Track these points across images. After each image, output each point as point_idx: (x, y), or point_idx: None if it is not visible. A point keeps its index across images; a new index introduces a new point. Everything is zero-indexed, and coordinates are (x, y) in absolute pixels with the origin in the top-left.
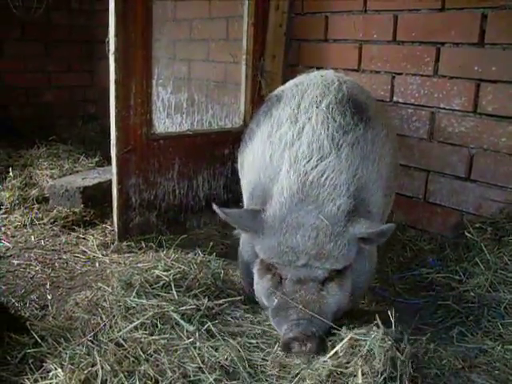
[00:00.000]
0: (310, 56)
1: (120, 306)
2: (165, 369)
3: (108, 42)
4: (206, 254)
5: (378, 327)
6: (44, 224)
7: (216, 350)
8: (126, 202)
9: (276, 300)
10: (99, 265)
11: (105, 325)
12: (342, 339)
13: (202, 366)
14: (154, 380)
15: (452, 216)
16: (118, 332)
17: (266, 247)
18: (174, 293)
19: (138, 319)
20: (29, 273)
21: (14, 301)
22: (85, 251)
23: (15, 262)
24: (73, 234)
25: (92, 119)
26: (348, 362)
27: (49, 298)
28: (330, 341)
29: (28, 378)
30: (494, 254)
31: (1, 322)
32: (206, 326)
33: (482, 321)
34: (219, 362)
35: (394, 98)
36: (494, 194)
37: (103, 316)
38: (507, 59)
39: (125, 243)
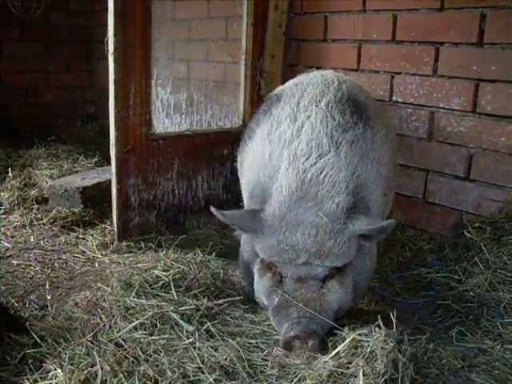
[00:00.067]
0: (310, 56)
1: (119, 306)
2: (164, 369)
3: (107, 42)
4: (206, 254)
5: (380, 328)
6: (43, 224)
7: (215, 350)
8: (125, 202)
9: (276, 299)
10: (99, 265)
11: (104, 325)
12: (344, 339)
13: (201, 366)
14: (153, 380)
15: (451, 216)
16: (117, 332)
17: (265, 246)
18: (174, 293)
19: (137, 319)
20: (28, 273)
21: (13, 301)
22: (84, 251)
23: (15, 262)
24: (72, 234)
25: (91, 119)
26: (349, 363)
27: (48, 298)
28: (332, 341)
29: (28, 379)
30: (494, 254)
31: (0, 322)
32: (205, 326)
33: (481, 320)
34: (219, 362)
35: (394, 98)
36: (493, 194)
37: (103, 316)
38: (506, 59)
39: (124, 243)
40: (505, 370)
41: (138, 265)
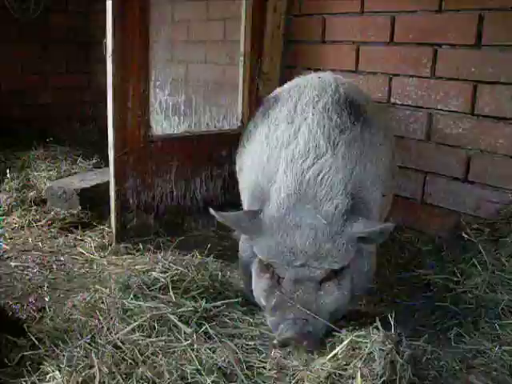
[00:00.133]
0: (308, 57)
1: (117, 308)
2: (162, 371)
3: (105, 43)
4: (204, 256)
5: (378, 330)
6: (41, 226)
7: (214, 352)
8: (123, 203)
9: (273, 299)
10: (97, 267)
11: (102, 327)
12: (342, 341)
13: (199, 367)
14: (151, 382)
15: (449, 217)
16: (115, 334)
17: (264, 247)
18: (172, 295)
19: (135, 321)
20: (26, 275)
21: (11, 303)
22: (82, 253)
23: (13, 264)
24: (70, 235)
25: (89, 121)
26: (347, 364)
27: (46, 300)
28: (330, 342)
29: (26, 381)
30: (492, 255)
31: None
32: (203, 328)
33: (479, 322)
34: (217, 364)
35: (392, 100)
36: (491, 196)
37: (101, 318)
38: (504, 60)
39: (122, 245)
40: (503, 371)
41: (136, 266)
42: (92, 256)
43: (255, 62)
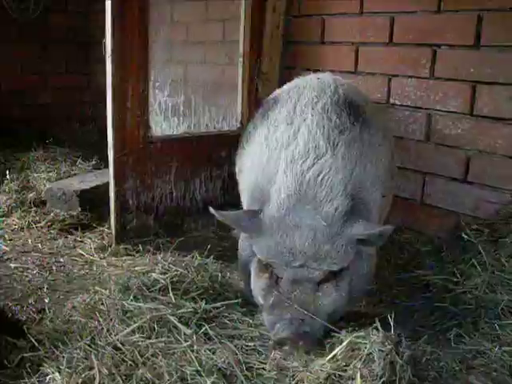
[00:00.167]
0: (307, 58)
1: (117, 309)
2: (162, 372)
3: (105, 43)
4: (204, 257)
5: (378, 330)
6: (41, 227)
7: (213, 353)
8: (123, 204)
9: (271, 299)
10: (96, 268)
11: (102, 328)
12: (342, 342)
13: (199, 369)
14: (151, 383)
15: (449, 218)
16: (115, 335)
17: (263, 247)
18: (172, 296)
19: (135, 322)
20: (26, 276)
21: (11, 304)
22: (82, 254)
23: (12, 265)
24: (70, 237)
25: (89, 121)
26: (347, 365)
27: (46, 301)
28: (329, 343)
29: (25, 382)
30: (491, 256)
31: None
32: (203, 329)
33: (479, 322)
34: (217, 365)
35: (391, 100)
36: (490, 196)
37: (101, 319)
38: (503, 61)
39: (122, 246)
40: (503, 371)
41: (136, 268)
42: (92, 257)
43: (254, 63)
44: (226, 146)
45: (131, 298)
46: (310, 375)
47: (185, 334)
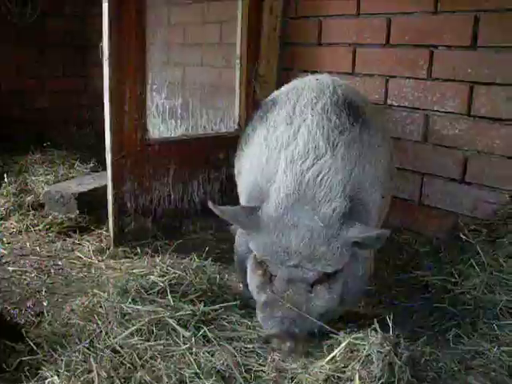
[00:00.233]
0: (304, 60)
1: (116, 312)
2: (161, 375)
3: (102, 46)
4: (202, 259)
5: (376, 331)
6: (39, 230)
7: (212, 355)
8: (121, 207)
9: (264, 296)
10: (95, 271)
11: (101, 331)
12: (340, 343)
13: (198, 371)
14: None
15: (447, 218)
16: (113, 338)
17: (259, 244)
18: (170, 298)
19: (133, 325)
20: (24, 279)
21: (9, 308)
22: (80, 257)
23: (10, 268)
24: (68, 239)
25: (86, 124)
26: (345, 367)
27: (44, 304)
28: (328, 345)
29: None
30: (490, 256)
31: None
32: (202, 332)
33: (477, 323)
34: (215, 368)
35: (388, 101)
36: (488, 196)
37: (99, 322)
38: (500, 62)
39: (120, 249)
40: (502, 372)
41: (135, 270)
42: (90, 260)
43: (252, 65)
44: (224, 147)
45: (130, 300)
46: (308, 377)
47: (183, 336)
